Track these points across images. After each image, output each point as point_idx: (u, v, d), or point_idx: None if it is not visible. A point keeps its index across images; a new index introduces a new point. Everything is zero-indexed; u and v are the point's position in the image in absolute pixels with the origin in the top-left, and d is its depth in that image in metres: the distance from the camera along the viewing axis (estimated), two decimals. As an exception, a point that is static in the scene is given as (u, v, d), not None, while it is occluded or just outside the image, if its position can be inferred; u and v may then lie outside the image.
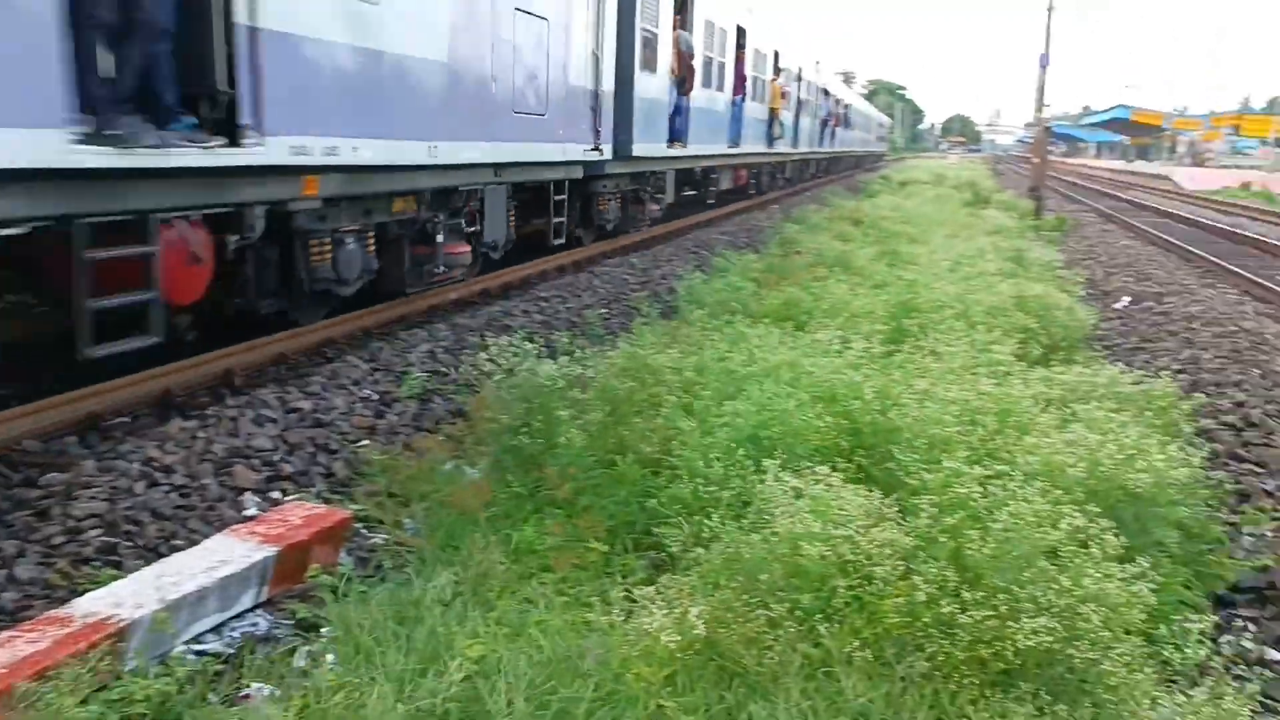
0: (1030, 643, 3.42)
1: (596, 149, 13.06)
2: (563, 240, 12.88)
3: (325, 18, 6.94)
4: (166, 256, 5.94)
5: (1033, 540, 3.78)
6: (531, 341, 6.60)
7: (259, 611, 4.38)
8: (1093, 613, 3.51)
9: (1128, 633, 3.63)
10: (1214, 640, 4.45)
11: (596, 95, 12.84)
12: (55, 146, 4.93)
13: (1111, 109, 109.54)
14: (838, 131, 42.93)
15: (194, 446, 5.77)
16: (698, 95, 17.66)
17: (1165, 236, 21.56)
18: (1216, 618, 3.87)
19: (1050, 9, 29.22)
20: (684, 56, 16.65)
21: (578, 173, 12.81)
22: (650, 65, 14.89)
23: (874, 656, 3.57)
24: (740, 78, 22.23)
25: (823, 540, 3.73)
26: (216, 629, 4.20)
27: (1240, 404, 8.42)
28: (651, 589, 3.83)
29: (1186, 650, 3.41)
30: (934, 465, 4.47)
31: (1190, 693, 3.37)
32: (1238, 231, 23.74)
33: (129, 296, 5.69)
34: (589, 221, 14.55)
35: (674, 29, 16.15)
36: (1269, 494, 6.52)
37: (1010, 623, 3.50)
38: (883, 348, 6.84)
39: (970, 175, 42.56)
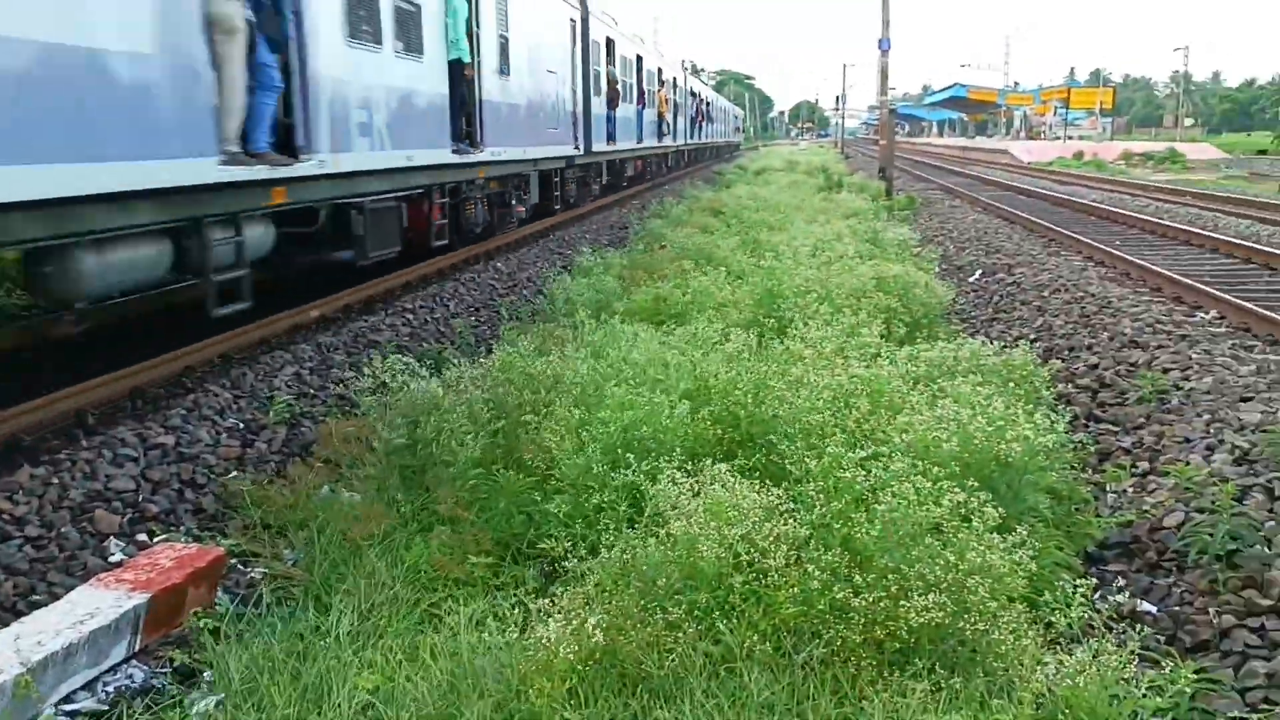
0: (922, 620, 3.49)
1: (577, 148, 20.11)
2: (560, 207, 20.58)
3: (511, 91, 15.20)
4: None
5: (917, 519, 3.87)
6: (402, 355, 6.46)
7: (134, 662, 4.16)
8: (979, 585, 3.61)
9: (1012, 601, 3.75)
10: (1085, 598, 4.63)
11: (574, 115, 19.88)
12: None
13: (949, 88, 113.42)
14: (703, 126, 49.80)
15: (47, 494, 5.44)
16: (621, 108, 24.97)
17: (1010, 209, 22.44)
18: (1092, 579, 4.00)
19: (886, -6, 30.09)
20: (613, 83, 24.19)
21: (562, 163, 19.79)
22: (597, 91, 22.22)
23: (774, 648, 3.60)
24: (641, 92, 29.15)
25: (718, 541, 3.73)
26: (89, 685, 3.97)
27: (1093, 366, 8.81)
28: (546, 600, 3.78)
29: (1070, 613, 3.52)
30: (815, 452, 4.53)
31: (1074, 652, 3.50)
32: (1075, 200, 24.88)
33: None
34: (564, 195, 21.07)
35: (606, 65, 23.46)
36: (1126, 451, 6.83)
37: (902, 602, 3.57)
38: (752, 338, 6.91)
39: (822, 160, 43.63)
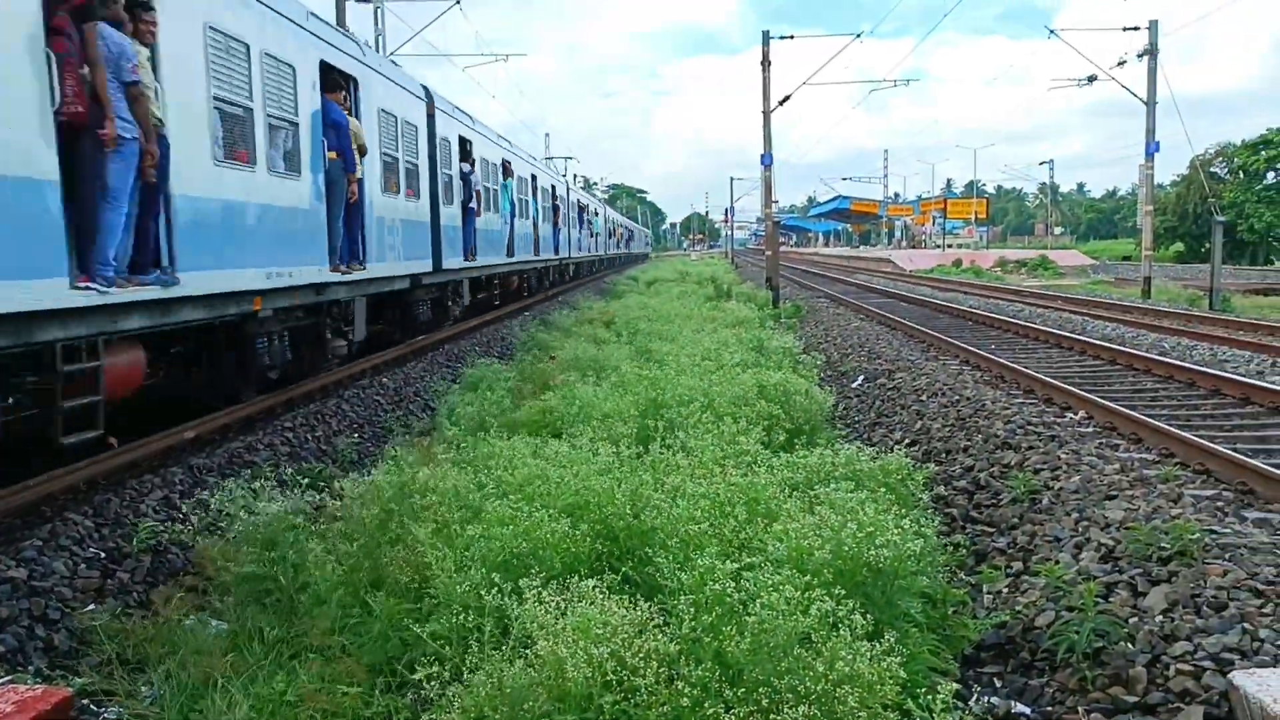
0: (793, 734, 3.45)
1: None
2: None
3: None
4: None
5: (787, 629, 3.86)
6: (270, 477, 6.28)
7: (-32, 820, 3.87)
8: (849, 694, 3.59)
9: (884, 708, 3.74)
10: (964, 702, 4.66)
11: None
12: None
13: (833, 200, 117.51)
14: (599, 238, 54.59)
15: (-118, 636, 5.10)
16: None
17: (891, 315, 23.12)
18: (956, 684, 4.02)
19: (767, 112, 31.27)
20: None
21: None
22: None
23: (643, 770, 3.51)
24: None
25: (586, 661, 3.66)
26: None
27: (969, 469, 9.02)
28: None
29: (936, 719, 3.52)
30: (688, 564, 4.51)
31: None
32: (954, 306, 25.80)
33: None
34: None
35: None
36: (1001, 551, 6.96)
37: (773, 716, 3.54)
38: (634, 449, 6.91)
39: (712, 270, 44.48)
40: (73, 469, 7.94)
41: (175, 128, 8.51)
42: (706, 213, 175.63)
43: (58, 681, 4.95)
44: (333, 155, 12.38)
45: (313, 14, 12.05)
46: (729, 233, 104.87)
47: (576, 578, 4.37)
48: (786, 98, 31.57)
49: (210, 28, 9.22)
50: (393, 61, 18.35)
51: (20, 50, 6.53)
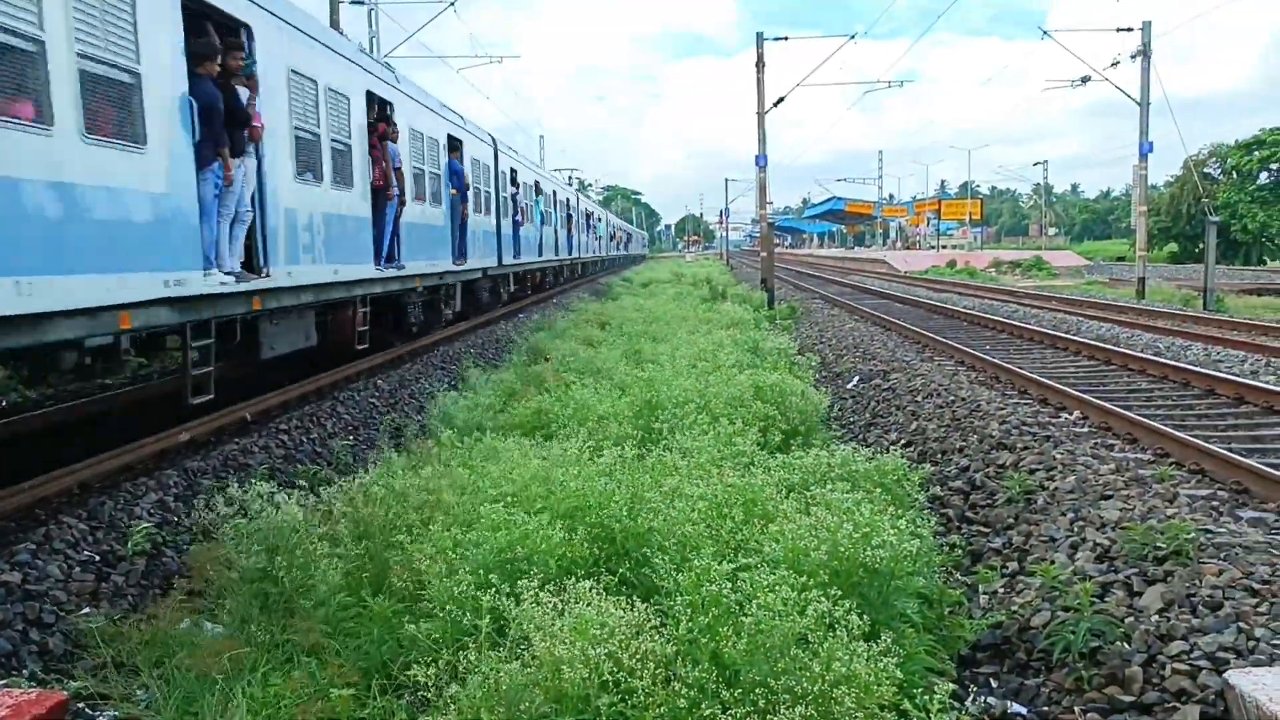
0: (790, 734, 3.45)
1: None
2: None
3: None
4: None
5: (783, 630, 3.86)
6: (271, 479, 6.27)
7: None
8: (845, 694, 3.59)
9: (881, 709, 3.74)
10: (960, 702, 4.66)
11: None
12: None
13: (827, 201, 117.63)
14: (601, 240, 59.72)
15: (-124, 640, 5.09)
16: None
17: (886, 316, 23.15)
18: (952, 684, 4.03)
19: (761, 113, 31.29)
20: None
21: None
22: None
23: (642, 771, 3.51)
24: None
25: (583, 661, 3.66)
26: None
27: (964, 469, 9.04)
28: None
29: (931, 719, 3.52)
30: (685, 565, 4.51)
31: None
32: (948, 307, 25.83)
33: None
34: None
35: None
36: (997, 552, 6.98)
37: (770, 716, 3.54)
38: (631, 450, 6.91)
39: (706, 272, 44.51)
40: (67, 472, 7.92)
41: (410, 189, 16.39)
42: (701, 214, 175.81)
43: (53, 685, 4.94)
44: (454, 191, 19.73)
45: (449, 109, 20.11)
46: (724, 234, 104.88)
47: (573, 579, 4.36)
48: (781, 99, 31.60)
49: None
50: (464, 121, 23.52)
51: (361, 155, 13.94)
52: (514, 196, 27.27)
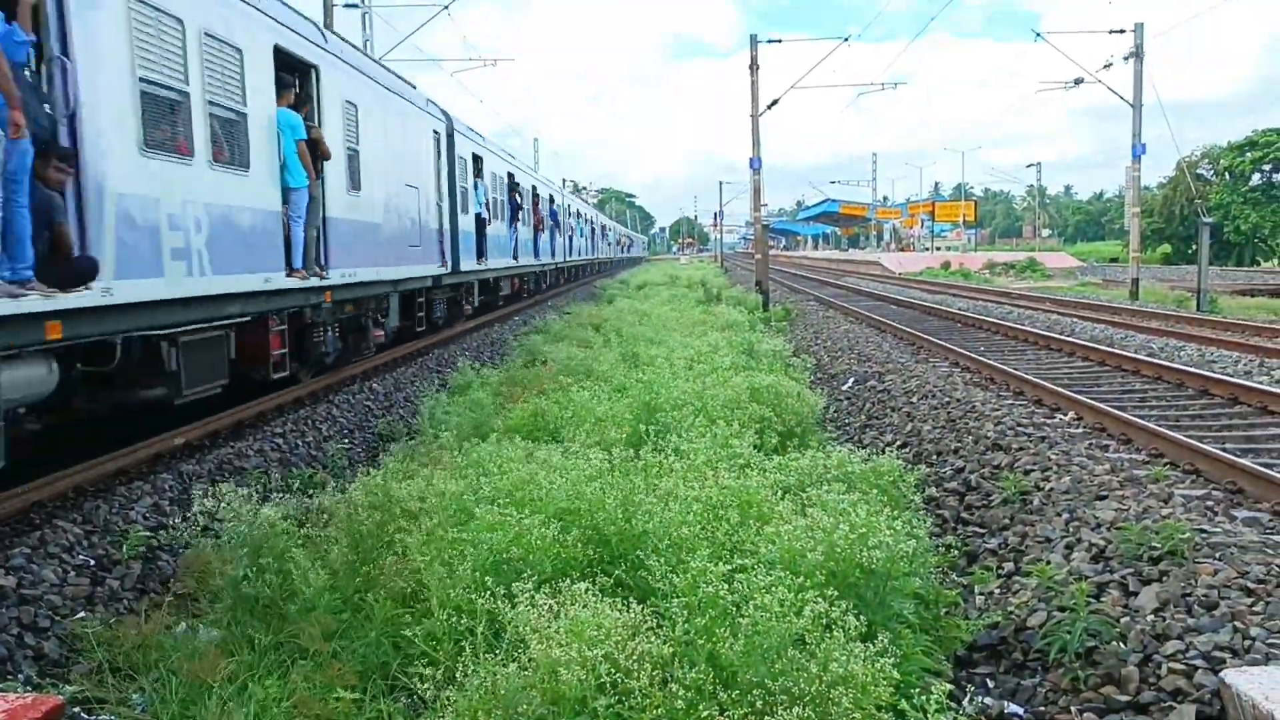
0: (787, 735, 3.45)
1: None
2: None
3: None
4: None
5: (780, 631, 3.86)
6: (263, 483, 6.26)
7: (-43, 829, 3.84)
8: (842, 695, 3.59)
9: (878, 709, 3.74)
10: (957, 703, 4.66)
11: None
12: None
13: (821, 203, 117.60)
14: (594, 242, 61.77)
15: None
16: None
17: (881, 318, 23.17)
18: (950, 684, 4.03)
19: (755, 116, 31.33)
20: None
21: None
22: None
23: (639, 773, 3.51)
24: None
25: (580, 663, 3.66)
26: None
27: (960, 470, 9.04)
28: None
29: (929, 720, 3.52)
30: (681, 567, 4.50)
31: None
32: (943, 308, 25.86)
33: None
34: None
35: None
36: (993, 552, 6.98)
37: (767, 717, 3.54)
38: (627, 452, 6.90)
39: (701, 274, 44.51)
40: (61, 475, 7.90)
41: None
42: (695, 217, 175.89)
43: (48, 689, 4.93)
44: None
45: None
46: (718, 237, 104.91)
47: (569, 581, 4.36)
48: (775, 101, 31.64)
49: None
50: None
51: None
52: (553, 213, 29.81)
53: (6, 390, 6.51)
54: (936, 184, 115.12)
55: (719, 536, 5.19)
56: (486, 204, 23.63)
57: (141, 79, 8.06)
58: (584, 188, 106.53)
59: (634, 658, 3.77)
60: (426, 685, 3.87)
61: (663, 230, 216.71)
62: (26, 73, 6.85)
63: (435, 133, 18.95)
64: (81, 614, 5.86)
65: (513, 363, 15.93)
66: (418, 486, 6.27)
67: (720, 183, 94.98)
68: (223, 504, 5.62)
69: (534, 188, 32.48)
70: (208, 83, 9.24)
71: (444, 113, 20.13)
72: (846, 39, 31.19)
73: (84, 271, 7.10)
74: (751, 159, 31.69)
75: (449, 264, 19.39)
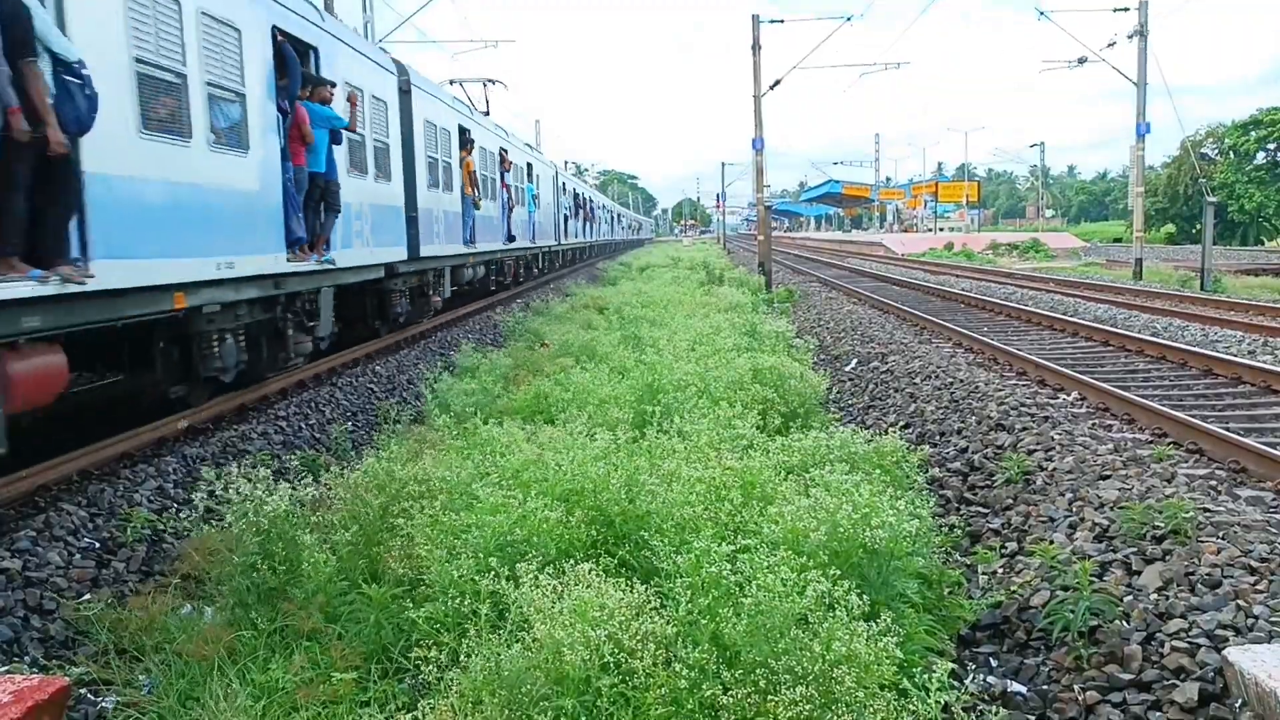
0: (790, 714, 3.46)
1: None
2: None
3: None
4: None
5: (783, 610, 3.86)
6: (268, 466, 6.27)
7: (-33, 810, 3.87)
8: (845, 674, 3.60)
9: (881, 688, 3.75)
10: (960, 681, 4.67)
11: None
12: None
13: (824, 184, 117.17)
14: (598, 225, 64.67)
15: (-123, 628, 5.09)
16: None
17: (883, 299, 23.14)
18: (954, 663, 4.04)
19: (758, 97, 31.20)
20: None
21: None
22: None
23: (642, 752, 3.52)
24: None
25: (584, 643, 3.66)
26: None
27: (963, 450, 9.04)
28: (410, 717, 3.64)
29: (930, 699, 3.53)
30: (684, 547, 4.51)
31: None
32: (946, 289, 25.82)
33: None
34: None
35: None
36: (996, 532, 6.99)
37: (770, 696, 3.54)
38: (630, 434, 6.91)
39: (704, 256, 44.45)
40: (65, 459, 7.92)
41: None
42: (698, 198, 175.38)
43: (54, 671, 4.95)
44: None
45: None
46: (720, 218, 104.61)
47: (572, 562, 4.36)
48: (777, 82, 31.49)
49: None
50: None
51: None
52: (591, 206, 34.35)
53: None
54: (940, 164, 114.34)
55: (722, 517, 5.19)
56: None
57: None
58: (585, 169, 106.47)
59: (638, 638, 3.78)
60: (430, 668, 3.88)
61: (665, 212, 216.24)
62: None
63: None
64: (87, 596, 5.88)
65: (515, 345, 15.92)
66: (422, 469, 6.28)
67: (722, 164, 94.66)
68: (232, 489, 5.62)
69: (575, 191, 45.16)
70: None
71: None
72: (849, 18, 31.04)
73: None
74: (754, 139, 31.57)
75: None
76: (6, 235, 6.41)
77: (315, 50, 12.08)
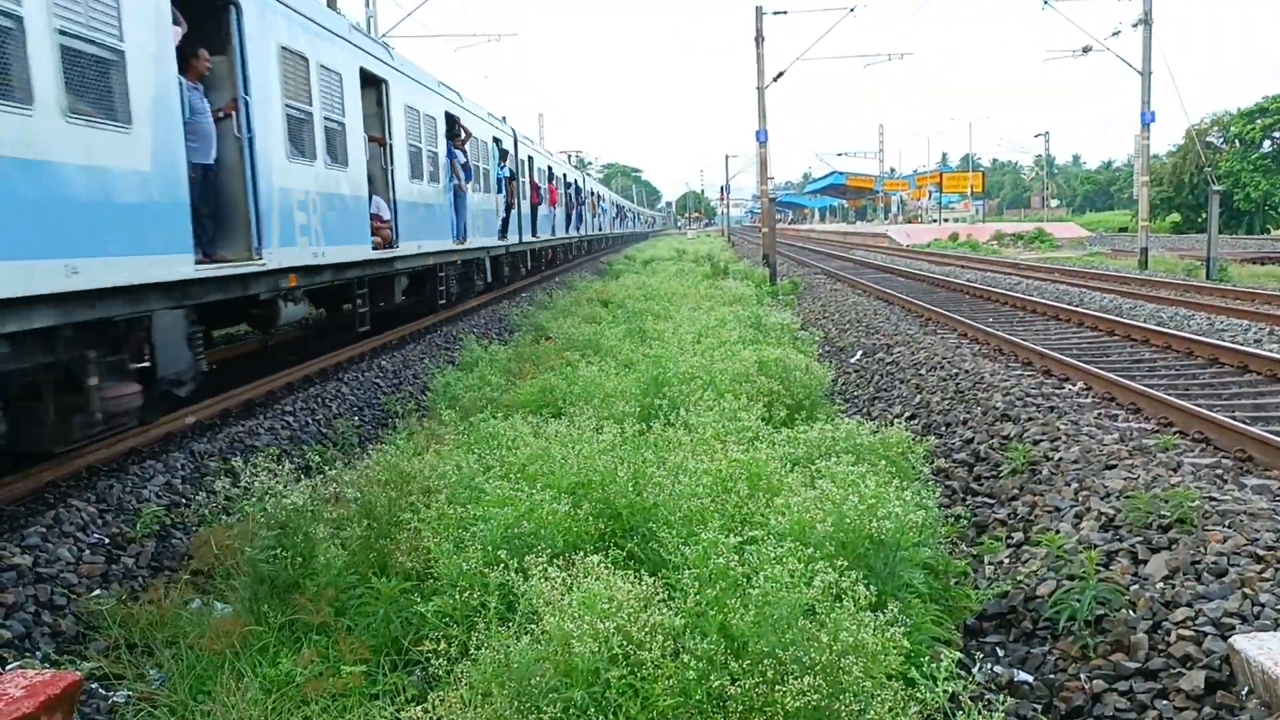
0: (798, 704, 3.48)
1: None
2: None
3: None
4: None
5: (791, 601, 3.88)
6: (278, 461, 6.30)
7: (-19, 804, 3.89)
8: (853, 665, 3.62)
9: (889, 678, 3.77)
10: (967, 671, 4.69)
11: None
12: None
13: (828, 176, 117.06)
14: (610, 218, 68.37)
15: (-111, 624, 5.13)
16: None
17: (888, 291, 23.12)
18: (961, 652, 4.06)
19: (761, 88, 31.17)
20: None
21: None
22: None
23: (650, 743, 3.54)
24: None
25: (592, 635, 3.68)
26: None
27: (969, 441, 9.05)
28: (419, 709, 3.66)
29: (937, 688, 3.54)
30: (691, 539, 4.53)
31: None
32: (951, 280, 25.78)
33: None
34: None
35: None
36: (1002, 522, 7.00)
37: (778, 686, 3.56)
38: (636, 427, 6.92)
39: (708, 248, 44.47)
40: (74, 455, 7.95)
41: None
42: (702, 191, 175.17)
43: (66, 666, 4.99)
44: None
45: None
46: (724, 211, 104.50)
47: (581, 555, 4.38)
48: (781, 74, 31.47)
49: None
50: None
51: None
52: (620, 208, 37.81)
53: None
54: (944, 155, 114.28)
55: (729, 509, 5.21)
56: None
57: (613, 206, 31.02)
58: (589, 162, 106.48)
59: (646, 629, 3.80)
60: (439, 660, 3.91)
61: (669, 204, 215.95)
62: None
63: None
64: (97, 592, 5.91)
65: (520, 339, 15.93)
66: (429, 463, 6.30)
67: (726, 156, 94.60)
68: (251, 483, 5.66)
69: (594, 190, 50.62)
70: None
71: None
72: (852, 9, 30.94)
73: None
74: (758, 131, 31.55)
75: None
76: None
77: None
